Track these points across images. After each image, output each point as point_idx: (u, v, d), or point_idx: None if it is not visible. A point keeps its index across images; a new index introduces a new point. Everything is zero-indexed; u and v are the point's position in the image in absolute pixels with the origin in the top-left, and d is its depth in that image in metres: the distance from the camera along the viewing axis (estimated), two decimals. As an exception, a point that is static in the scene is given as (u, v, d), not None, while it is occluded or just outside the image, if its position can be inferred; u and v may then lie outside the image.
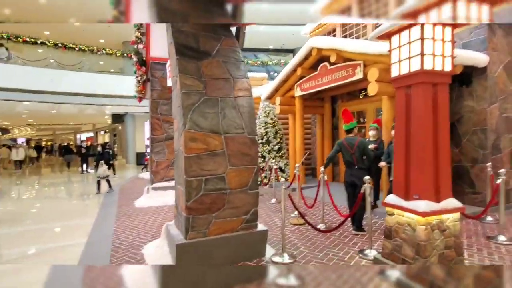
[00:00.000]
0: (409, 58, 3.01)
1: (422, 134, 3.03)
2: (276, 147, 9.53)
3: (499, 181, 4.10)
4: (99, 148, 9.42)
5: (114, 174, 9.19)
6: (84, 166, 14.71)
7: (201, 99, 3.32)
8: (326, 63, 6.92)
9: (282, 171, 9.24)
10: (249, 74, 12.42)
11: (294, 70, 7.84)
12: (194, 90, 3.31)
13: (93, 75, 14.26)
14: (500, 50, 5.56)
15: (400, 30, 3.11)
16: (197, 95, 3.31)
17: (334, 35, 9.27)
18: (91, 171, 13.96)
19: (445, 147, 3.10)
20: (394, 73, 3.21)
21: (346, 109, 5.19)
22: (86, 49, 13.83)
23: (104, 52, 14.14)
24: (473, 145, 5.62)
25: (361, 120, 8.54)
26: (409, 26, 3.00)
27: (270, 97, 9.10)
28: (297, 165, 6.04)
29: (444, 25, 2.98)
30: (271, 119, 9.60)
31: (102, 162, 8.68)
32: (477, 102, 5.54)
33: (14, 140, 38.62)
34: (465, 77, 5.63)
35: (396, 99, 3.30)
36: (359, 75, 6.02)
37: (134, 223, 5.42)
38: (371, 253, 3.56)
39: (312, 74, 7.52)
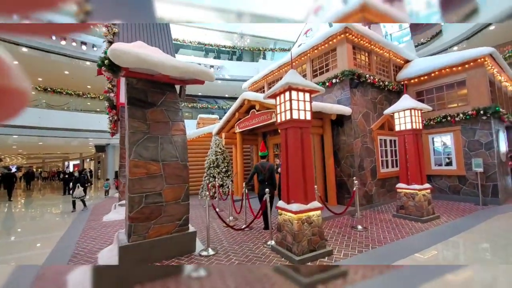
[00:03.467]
0: (285, 111, 3.55)
1: (294, 160, 3.47)
2: (224, 169, 9.71)
3: (354, 188, 4.76)
4: (76, 174, 8.69)
5: (85, 195, 8.47)
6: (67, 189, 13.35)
7: (144, 137, 3.49)
8: (254, 110, 7.50)
9: (228, 187, 9.43)
10: (206, 116, 12.64)
11: (233, 114, 8.33)
12: (139, 130, 3.48)
13: (78, 114, 13.41)
14: (359, 104, 6.62)
15: (280, 93, 3.68)
16: (141, 133, 3.48)
17: (263, 91, 10.11)
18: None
19: (310, 169, 3.55)
20: (279, 120, 3.74)
21: (263, 141, 5.67)
22: (72, 93, 13.12)
23: (88, 96, 13.49)
24: (347, 165, 6.43)
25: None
26: (284, 91, 3.58)
27: (218, 133, 9.41)
28: (229, 182, 6.28)
29: (304, 91, 3.62)
30: (220, 148, 9.84)
31: (78, 184, 8.04)
32: (347, 137, 6.43)
33: (7, 167, 33.18)
34: (339, 121, 6.56)
35: (281, 137, 3.79)
36: (273, 119, 6.63)
37: (98, 234, 5.11)
38: (272, 243, 3.86)
39: (246, 117, 8.04)
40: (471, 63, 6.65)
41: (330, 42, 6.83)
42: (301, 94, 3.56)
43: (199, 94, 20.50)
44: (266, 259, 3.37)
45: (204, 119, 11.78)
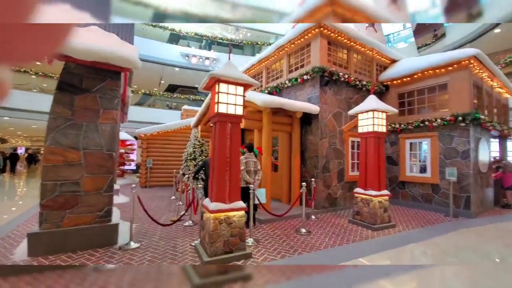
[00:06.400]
0: (214, 103, 3.35)
1: (220, 157, 3.28)
2: (201, 163, 9.59)
3: (301, 190, 4.54)
4: None
5: None
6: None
7: (66, 123, 3.37)
8: (226, 104, 7.29)
9: (204, 180, 9.33)
10: (190, 107, 12.43)
11: (207, 107, 8.14)
12: (62, 116, 3.36)
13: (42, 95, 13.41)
14: (330, 103, 6.31)
15: (212, 85, 3.46)
16: (63, 120, 3.35)
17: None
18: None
19: (236, 166, 3.36)
20: (210, 113, 3.54)
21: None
22: (33, 73, 13.10)
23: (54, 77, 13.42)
24: (312, 166, 6.18)
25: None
26: (215, 83, 3.37)
27: (196, 126, 9.27)
28: (186, 176, 6.15)
29: (237, 84, 3.40)
30: (199, 141, 9.70)
31: None
32: (314, 137, 6.17)
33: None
34: (307, 120, 6.29)
35: (212, 131, 3.59)
36: (241, 114, 6.42)
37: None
38: (197, 241, 3.71)
39: (220, 111, 7.85)
40: (455, 65, 6.21)
41: (306, 37, 6.51)
42: (232, 87, 3.35)
43: (196, 86, 20.34)
44: (180, 258, 3.23)
45: (188, 111, 11.66)
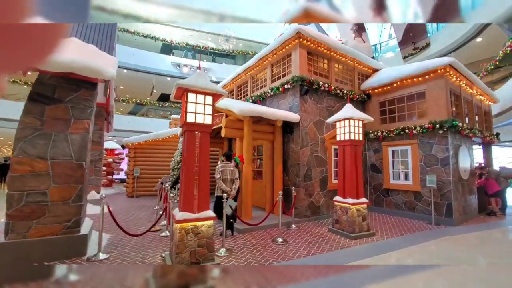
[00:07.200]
0: (183, 113, 3.40)
1: (188, 166, 3.30)
2: (179, 173, 9.58)
3: (277, 199, 4.54)
4: None
5: None
6: None
7: (35, 133, 3.38)
8: (211, 113, 7.35)
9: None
10: (178, 116, 12.45)
11: (194, 116, 8.20)
12: (30, 127, 3.38)
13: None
14: (310, 112, 6.41)
15: (181, 96, 3.52)
16: (31, 130, 3.37)
17: (233, 94, 9.97)
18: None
19: (204, 175, 3.37)
20: (181, 122, 3.58)
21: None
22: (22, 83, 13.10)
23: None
24: (294, 174, 6.20)
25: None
26: (183, 93, 3.43)
27: (182, 134, 9.29)
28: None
29: (206, 94, 3.46)
30: (186, 150, 9.73)
31: None
32: (295, 145, 6.22)
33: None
34: (289, 128, 6.36)
35: (183, 140, 3.61)
36: (223, 123, 6.48)
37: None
38: (167, 252, 3.67)
39: (206, 120, 7.90)
40: (431, 74, 6.38)
41: (287, 47, 6.68)
42: (201, 96, 3.41)
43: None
44: (147, 269, 3.19)
45: (176, 120, 11.73)
